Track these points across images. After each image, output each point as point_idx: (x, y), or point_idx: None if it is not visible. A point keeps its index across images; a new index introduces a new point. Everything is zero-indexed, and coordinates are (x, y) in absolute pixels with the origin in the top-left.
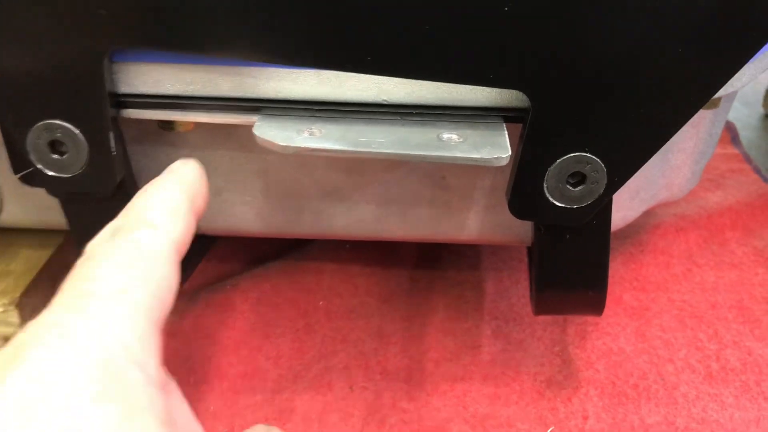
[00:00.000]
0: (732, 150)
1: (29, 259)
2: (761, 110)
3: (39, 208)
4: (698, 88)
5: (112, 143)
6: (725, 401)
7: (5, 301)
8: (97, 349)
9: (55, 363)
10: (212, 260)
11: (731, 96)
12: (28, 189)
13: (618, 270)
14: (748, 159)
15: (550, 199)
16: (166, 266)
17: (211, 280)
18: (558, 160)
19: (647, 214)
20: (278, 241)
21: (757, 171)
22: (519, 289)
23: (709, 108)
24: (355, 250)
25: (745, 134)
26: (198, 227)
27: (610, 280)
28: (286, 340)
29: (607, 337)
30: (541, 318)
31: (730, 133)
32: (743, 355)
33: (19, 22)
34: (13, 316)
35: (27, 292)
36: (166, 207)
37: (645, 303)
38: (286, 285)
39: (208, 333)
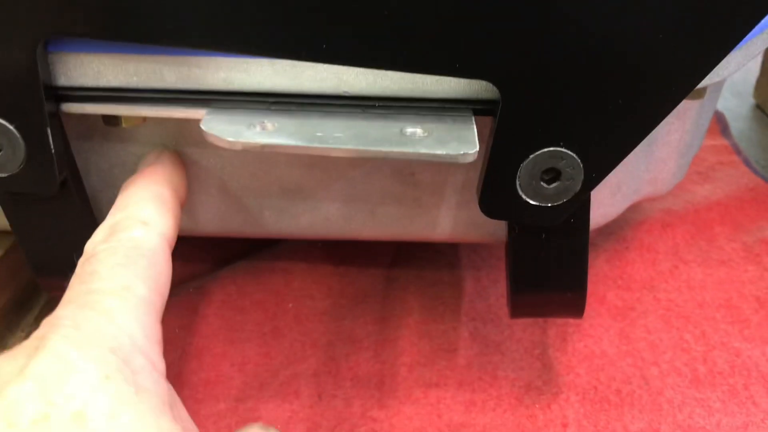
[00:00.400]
0: (722, 141)
1: None
2: (752, 100)
3: None
4: (681, 76)
5: (51, 140)
6: (712, 406)
7: None
8: (106, 338)
9: (71, 349)
10: (173, 261)
11: (719, 85)
12: None
13: (601, 268)
14: (738, 150)
15: (524, 197)
16: (162, 261)
17: (175, 283)
18: (531, 156)
19: (632, 209)
20: (245, 241)
21: (748, 163)
22: (498, 288)
23: (694, 98)
24: (327, 249)
25: (736, 125)
26: None
27: (593, 278)
28: (252, 345)
29: (589, 340)
30: (521, 319)
31: (720, 124)
32: (731, 357)
33: None
34: None
35: None
36: (156, 203)
37: (629, 302)
38: (253, 287)
39: (168, 338)
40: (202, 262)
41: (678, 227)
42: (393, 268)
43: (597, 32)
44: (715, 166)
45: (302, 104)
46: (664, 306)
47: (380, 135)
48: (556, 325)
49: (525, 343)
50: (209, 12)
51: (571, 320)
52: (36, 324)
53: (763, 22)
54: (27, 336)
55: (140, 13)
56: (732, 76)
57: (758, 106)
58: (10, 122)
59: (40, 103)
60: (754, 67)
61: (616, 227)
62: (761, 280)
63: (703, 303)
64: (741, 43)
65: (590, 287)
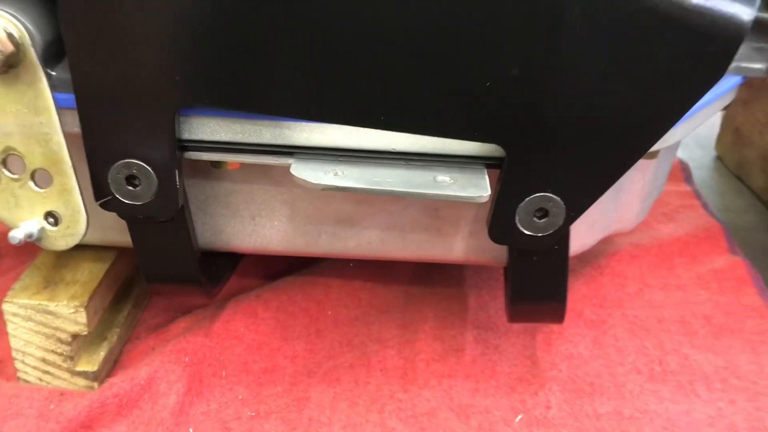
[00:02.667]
0: (685, 187)
1: (91, 271)
2: (714, 152)
3: (103, 228)
4: (637, 143)
5: (177, 178)
6: (663, 396)
7: (76, 303)
8: None
9: None
10: (238, 274)
11: (671, 148)
12: (98, 212)
13: (580, 289)
14: (698, 196)
15: (521, 228)
16: None
17: (238, 291)
18: (526, 198)
19: (606, 242)
20: (293, 259)
21: (706, 207)
22: (496, 303)
23: (650, 158)
24: (357, 268)
25: (698, 173)
26: (233, 245)
27: (572, 297)
28: (300, 343)
29: (569, 344)
30: (515, 327)
31: (684, 173)
32: (681, 360)
33: (110, 86)
34: (82, 317)
35: (91, 298)
36: None
37: (602, 317)
38: (300, 297)
39: (237, 335)
40: (261, 276)
41: (644, 258)
42: (412, 285)
43: (577, 113)
44: (678, 209)
45: (362, 157)
46: (629, 320)
47: (419, 181)
48: (543, 332)
49: (518, 345)
50: (298, 93)
51: (554, 328)
52: (126, 322)
53: (698, 104)
54: (121, 330)
55: (249, 93)
56: (697, 131)
57: (719, 158)
58: (149, 165)
59: (172, 152)
60: (717, 123)
61: (592, 257)
62: (709, 302)
63: (662, 319)
64: (681, 120)
65: (570, 304)
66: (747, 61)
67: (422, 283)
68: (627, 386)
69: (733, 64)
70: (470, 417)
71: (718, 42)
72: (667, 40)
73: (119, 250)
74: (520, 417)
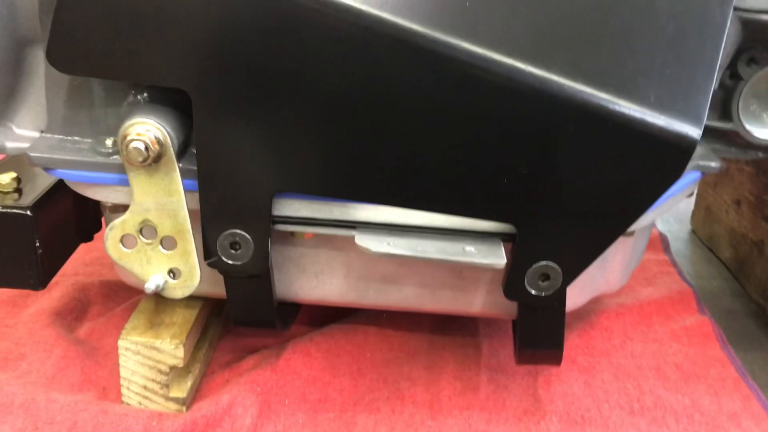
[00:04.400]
0: (663, 257)
1: (184, 315)
2: (689, 226)
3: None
4: (614, 228)
5: (269, 245)
6: (641, 428)
7: (177, 341)
8: None
9: None
10: (297, 321)
11: (646, 227)
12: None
13: (574, 340)
14: (674, 264)
15: (528, 289)
16: None
17: (296, 334)
18: (533, 266)
19: (596, 302)
20: (339, 310)
21: (680, 273)
22: (505, 350)
23: (627, 236)
24: (390, 318)
25: (675, 244)
26: (300, 296)
27: (568, 347)
28: (346, 379)
29: (565, 385)
30: (520, 369)
31: (663, 244)
32: (655, 399)
33: (225, 177)
34: (180, 352)
35: (187, 337)
36: None
37: (592, 363)
38: (344, 341)
39: (296, 371)
40: (310, 323)
41: (627, 315)
42: (434, 333)
43: (571, 202)
44: (656, 275)
45: (409, 231)
46: (614, 367)
47: (452, 250)
48: (543, 374)
49: (523, 385)
50: (364, 183)
51: (553, 371)
52: (204, 359)
53: (664, 196)
54: (201, 365)
55: (328, 182)
56: (676, 208)
57: (693, 231)
58: (248, 234)
59: (268, 225)
60: (693, 201)
61: (584, 314)
62: (680, 352)
63: (641, 366)
64: (651, 208)
65: (565, 352)
66: (705, 160)
67: (443, 332)
68: (611, 419)
69: (693, 163)
70: None
71: (674, 153)
72: (637, 152)
73: (204, 299)
74: None
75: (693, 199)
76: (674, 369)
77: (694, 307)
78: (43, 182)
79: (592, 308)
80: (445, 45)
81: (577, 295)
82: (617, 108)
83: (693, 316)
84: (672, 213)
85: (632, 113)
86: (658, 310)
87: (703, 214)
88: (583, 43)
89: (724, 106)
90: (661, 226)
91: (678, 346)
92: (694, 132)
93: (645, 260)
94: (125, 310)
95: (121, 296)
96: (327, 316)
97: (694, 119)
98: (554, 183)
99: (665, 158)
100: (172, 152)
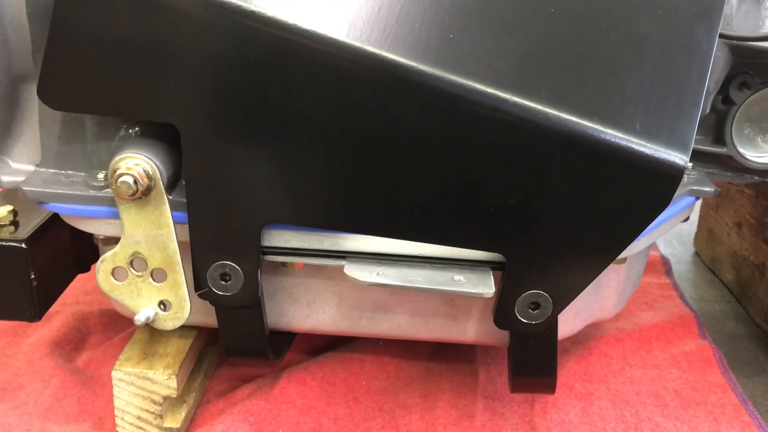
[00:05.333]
0: (665, 280)
1: (178, 345)
2: (693, 248)
3: (194, 312)
4: (602, 257)
5: (259, 276)
6: None
7: (169, 371)
8: None
9: None
10: (291, 350)
11: (640, 253)
12: (193, 300)
13: (572, 367)
14: (676, 287)
15: (519, 317)
16: None
17: (290, 364)
18: (523, 294)
19: (595, 327)
20: (333, 338)
21: (682, 297)
22: (502, 378)
23: (620, 263)
24: (386, 345)
25: (678, 267)
26: (292, 326)
27: (565, 373)
28: (341, 407)
29: (561, 412)
30: (517, 397)
31: (665, 267)
32: (653, 427)
33: (214, 210)
34: (173, 382)
35: (180, 367)
36: None
37: (590, 390)
38: (340, 369)
39: (290, 400)
40: (307, 351)
41: (627, 341)
42: (431, 361)
43: (558, 231)
44: (657, 299)
45: (396, 260)
46: (612, 393)
47: (441, 280)
48: (540, 402)
49: (519, 413)
50: (352, 214)
51: (549, 398)
52: (199, 388)
53: (656, 222)
54: (195, 395)
55: (316, 213)
56: (680, 230)
57: (697, 253)
58: (238, 265)
59: (257, 256)
60: (695, 223)
61: (583, 339)
62: (680, 378)
63: (639, 392)
64: (642, 235)
65: (562, 379)
66: (698, 185)
67: (440, 360)
68: None
69: (687, 188)
70: None
71: (661, 181)
72: (624, 181)
73: (198, 329)
74: None
75: (696, 221)
76: (673, 395)
77: (695, 331)
78: (39, 215)
79: (591, 334)
80: (429, 77)
81: (571, 321)
82: (603, 137)
83: (694, 340)
84: (675, 235)
85: (618, 142)
86: (658, 335)
87: (705, 236)
88: (567, 72)
89: (717, 130)
90: (663, 249)
91: (678, 371)
92: (681, 159)
93: (646, 284)
94: (123, 339)
95: (121, 325)
96: (324, 344)
97: (681, 147)
98: (542, 212)
99: (652, 186)
100: (161, 186)
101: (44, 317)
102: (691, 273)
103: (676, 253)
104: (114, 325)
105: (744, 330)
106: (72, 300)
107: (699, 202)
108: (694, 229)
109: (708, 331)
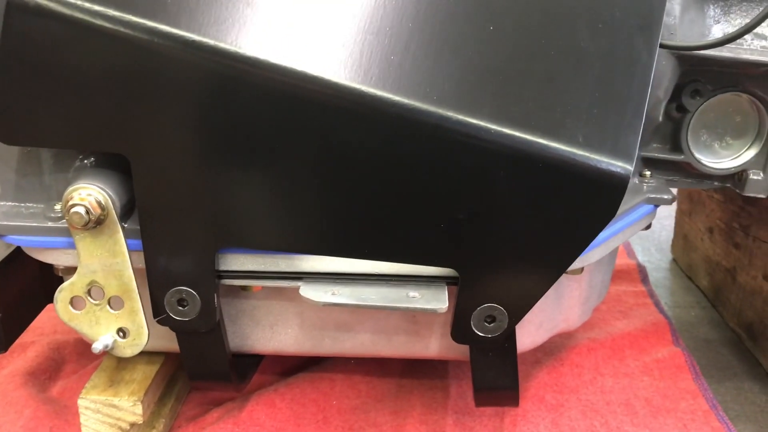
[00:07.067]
0: (641, 288)
1: (144, 371)
2: (670, 255)
3: (156, 338)
4: (552, 269)
5: (216, 300)
6: None
7: (135, 398)
8: None
9: None
10: (259, 372)
11: (601, 262)
12: (153, 326)
13: (543, 378)
14: (652, 295)
15: (475, 331)
16: None
17: (259, 386)
18: (478, 308)
19: (567, 337)
20: (303, 358)
21: (658, 305)
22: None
23: (576, 273)
24: (358, 364)
25: (656, 274)
26: (256, 348)
27: (535, 384)
28: (310, 429)
29: (531, 425)
30: (487, 410)
31: (641, 274)
32: None
33: (169, 236)
34: (139, 409)
35: (145, 393)
36: None
37: (560, 401)
38: (310, 389)
39: (259, 422)
40: (278, 372)
41: (599, 350)
42: (403, 377)
43: (508, 245)
44: (632, 307)
45: (354, 279)
46: (583, 404)
47: (395, 297)
48: (510, 415)
49: (489, 426)
50: (306, 236)
51: (519, 410)
52: (169, 413)
53: (611, 231)
54: (165, 420)
55: (270, 237)
56: (657, 237)
57: (674, 260)
58: (194, 290)
59: (212, 280)
60: (671, 230)
61: (554, 349)
62: (651, 387)
63: (610, 402)
64: (596, 245)
65: (533, 390)
66: (656, 193)
67: (411, 376)
68: None
69: (645, 196)
70: None
71: (606, 192)
72: (568, 193)
73: (166, 355)
74: None
75: (672, 228)
76: (644, 403)
77: (668, 338)
78: (5, 247)
79: (563, 344)
80: (371, 98)
81: (534, 332)
82: (546, 150)
83: (667, 347)
84: (653, 243)
85: (561, 154)
86: (632, 343)
87: (681, 242)
88: (509, 88)
89: (674, 138)
90: (641, 257)
91: (649, 379)
92: (625, 170)
93: (621, 292)
94: (97, 367)
95: (96, 354)
96: (295, 365)
97: (625, 157)
98: (491, 226)
99: (597, 197)
100: (114, 215)
101: (20, 348)
102: (668, 280)
103: (654, 261)
104: (89, 354)
105: (718, 335)
106: (49, 330)
107: (675, 209)
108: (672, 235)
109: (682, 337)
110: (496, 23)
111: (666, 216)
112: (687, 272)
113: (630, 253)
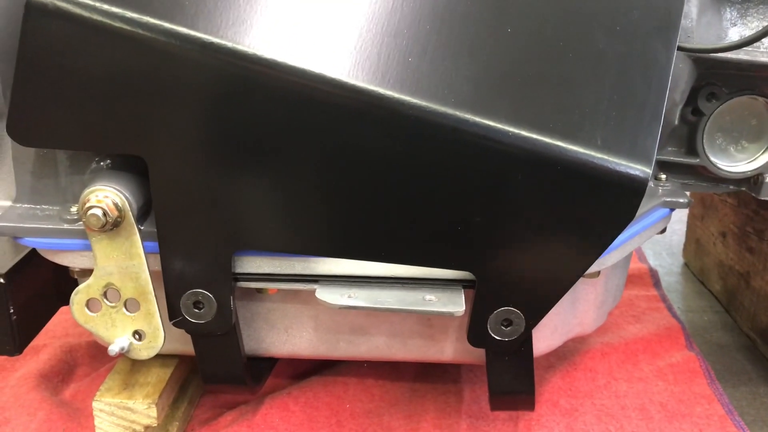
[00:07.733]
0: (653, 292)
1: (158, 374)
2: (682, 259)
3: (171, 341)
4: (569, 273)
5: (232, 303)
6: None
7: (149, 401)
8: None
9: None
10: (273, 375)
11: (617, 265)
12: (168, 328)
13: (557, 382)
14: (664, 299)
15: (492, 334)
16: None
17: (273, 389)
18: (494, 312)
19: (580, 342)
20: (317, 362)
21: (670, 309)
22: (487, 396)
23: (593, 278)
24: (371, 367)
25: (668, 279)
26: (271, 351)
27: (549, 389)
28: (325, 431)
29: (545, 429)
30: (501, 415)
31: (653, 279)
32: None
33: (185, 239)
34: (153, 412)
35: (160, 396)
36: None
37: (574, 406)
38: (323, 393)
39: (273, 426)
40: (291, 375)
41: (613, 355)
42: (415, 382)
43: (525, 249)
44: (645, 311)
45: (370, 282)
46: (597, 408)
47: (411, 300)
48: (524, 419)
49: (504, 431)
50: (322, 238)
51: (533, 415)
52: (183, 417)
53: (627, 235)
54: (179, 424)
55: (286, 239)
56: (669, 241)
57: (686, 264)
58: (210, 293)
59: (229, 283)
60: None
61: (568, 354)
62: (665, 391)
63: (625, 406)
64: (613, 248)
65: (547, 395)
66: (672, 196)
67: (425, 380)
68: None
69: (660, 200)
70: None
71: (624, 195)
72: (587, 196)
73: (179, 358)
74: None
75: (682, 232)
76: (659, 408)
77: (682, 343)
78: (21, 249)
79: (577, 348)
80: (389, 100)
81: (549, 337)
82: (563, 153)
83: (680, 352)
84: (665, 247)
85: (579, 157)
86: (645, 347)
87: (693, 247)
88: (526, 90)
89: (690, 141)
90: (653, 261)
91: (664, 384)
92: (643, 172)
93: (633, 296)
94: (110, 370)
95: (108, 356)
96: (308, 369)
97: (643, 160)
98: (508, 229)
99: (616, 200)
100: (131, 217)
101: (33, 350)
102: (681, 284)
103: (666, 265)
104: (102, 357)
105: (732, 340)
106: (61, 332)
107: (686, 213)
108: (683, 240)
109: (696, 341)
110: (513, 25)
111: (676, 220)
112: (699, 276)
113: (641, 257)
